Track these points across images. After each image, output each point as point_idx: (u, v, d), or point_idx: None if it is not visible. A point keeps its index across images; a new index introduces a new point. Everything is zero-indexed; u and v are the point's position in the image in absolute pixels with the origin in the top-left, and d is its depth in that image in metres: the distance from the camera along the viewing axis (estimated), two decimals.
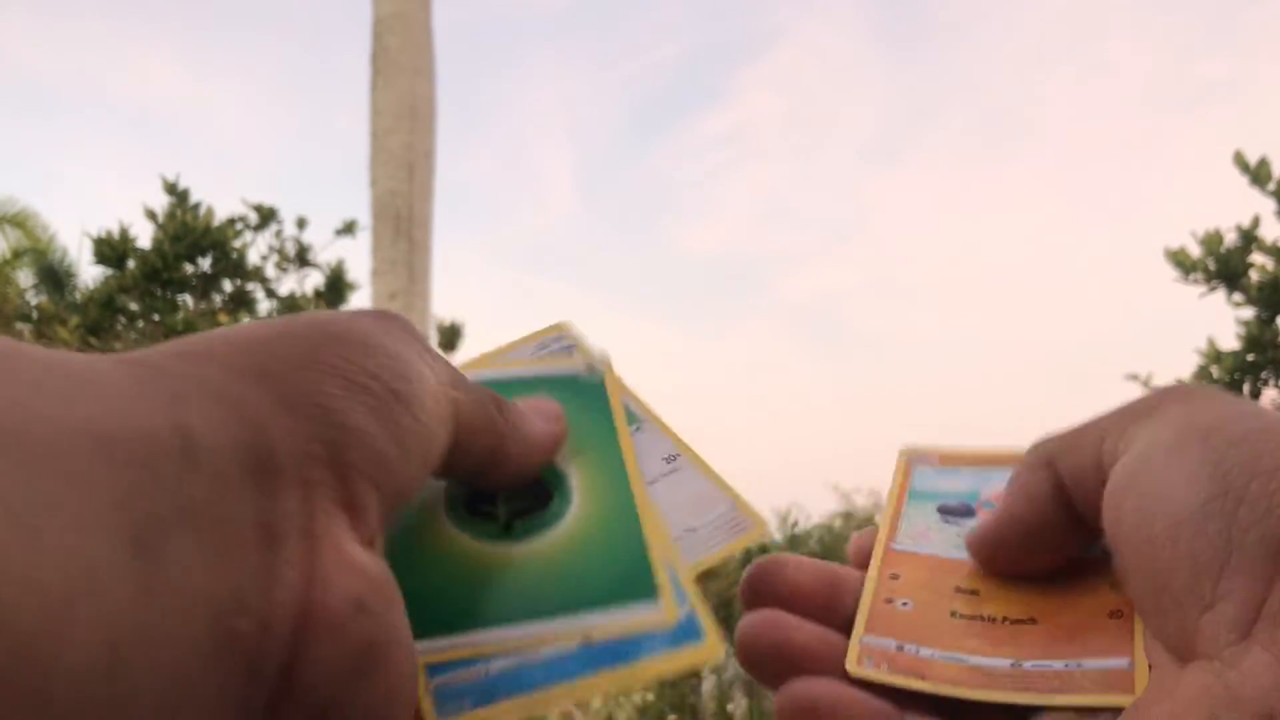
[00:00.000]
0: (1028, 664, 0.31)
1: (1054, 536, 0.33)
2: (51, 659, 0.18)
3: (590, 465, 0.35)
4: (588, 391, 0.37)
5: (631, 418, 0.36)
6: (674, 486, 0.34)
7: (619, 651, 0.29)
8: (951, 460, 0.40)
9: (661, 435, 0.36)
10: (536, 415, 0.34)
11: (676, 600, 0.31)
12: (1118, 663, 0.30)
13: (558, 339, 0.39)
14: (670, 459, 0.35)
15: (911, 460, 0.40)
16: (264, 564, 0.23)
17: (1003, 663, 0.32)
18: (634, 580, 0.31)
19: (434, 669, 0.29)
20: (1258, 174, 4.29)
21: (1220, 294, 4.44)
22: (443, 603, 0.31)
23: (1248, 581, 0.25)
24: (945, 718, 0.31)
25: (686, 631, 0.30)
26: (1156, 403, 0.31)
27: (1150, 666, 0.29)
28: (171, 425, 0.22)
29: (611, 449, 0.35)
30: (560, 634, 0.30)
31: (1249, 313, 4.41)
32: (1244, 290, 4.37)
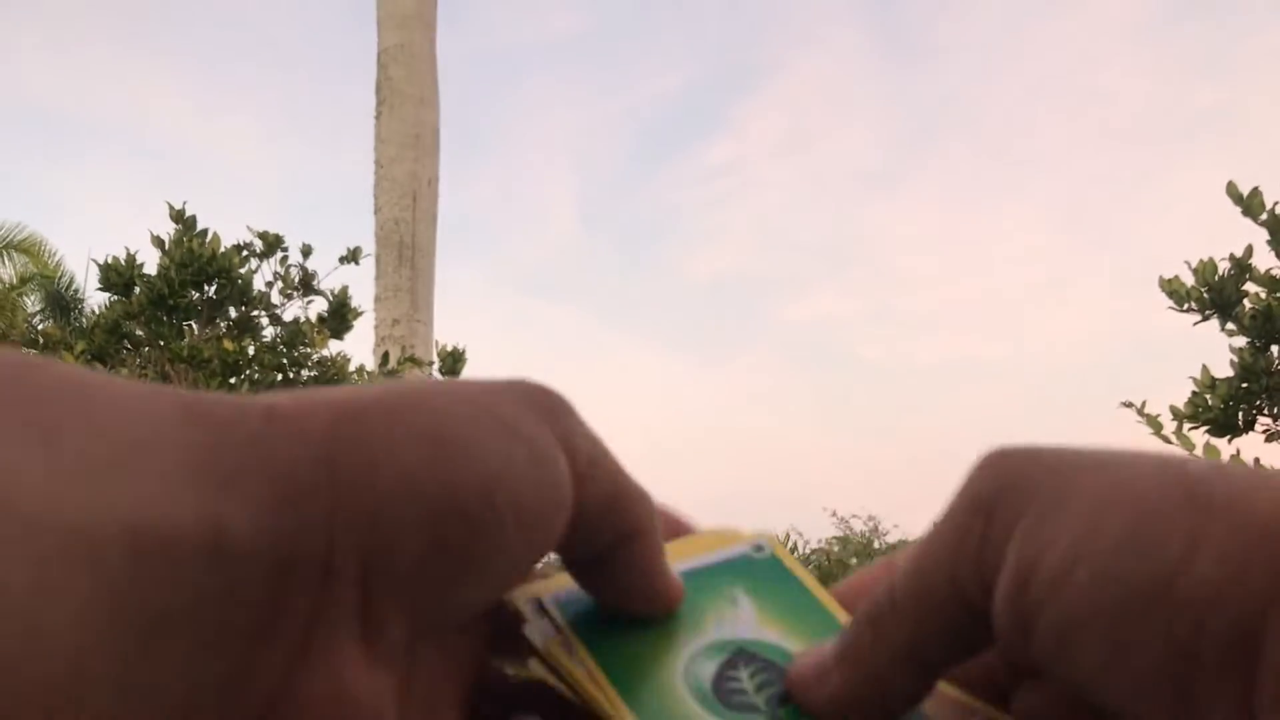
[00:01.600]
0: None
1: (932, 658, 0.29)
2: None
3: (806, 632, 0.34)
4: (766, 568, 0.37)
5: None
6: None
7: None
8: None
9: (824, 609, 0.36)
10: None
11: None
12: None
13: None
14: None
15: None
16: (244, 665, 0.22)
17: None
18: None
19: None
20: (1250, 204, 4.33)
21: (1214, 323, 4.48)
22: None
23: (1226, 684, 0.22)
24: None
25: None
26: (997, 505, 0.27)
27: None
28: (207, 518, 0.21)
29: (818, 611, 0.35)
30: None
31: (1242, 341, 4.44)
32: (1237, 319, 4.40)
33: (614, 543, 0.29)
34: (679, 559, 0.35)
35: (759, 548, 0.38)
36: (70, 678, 0.18)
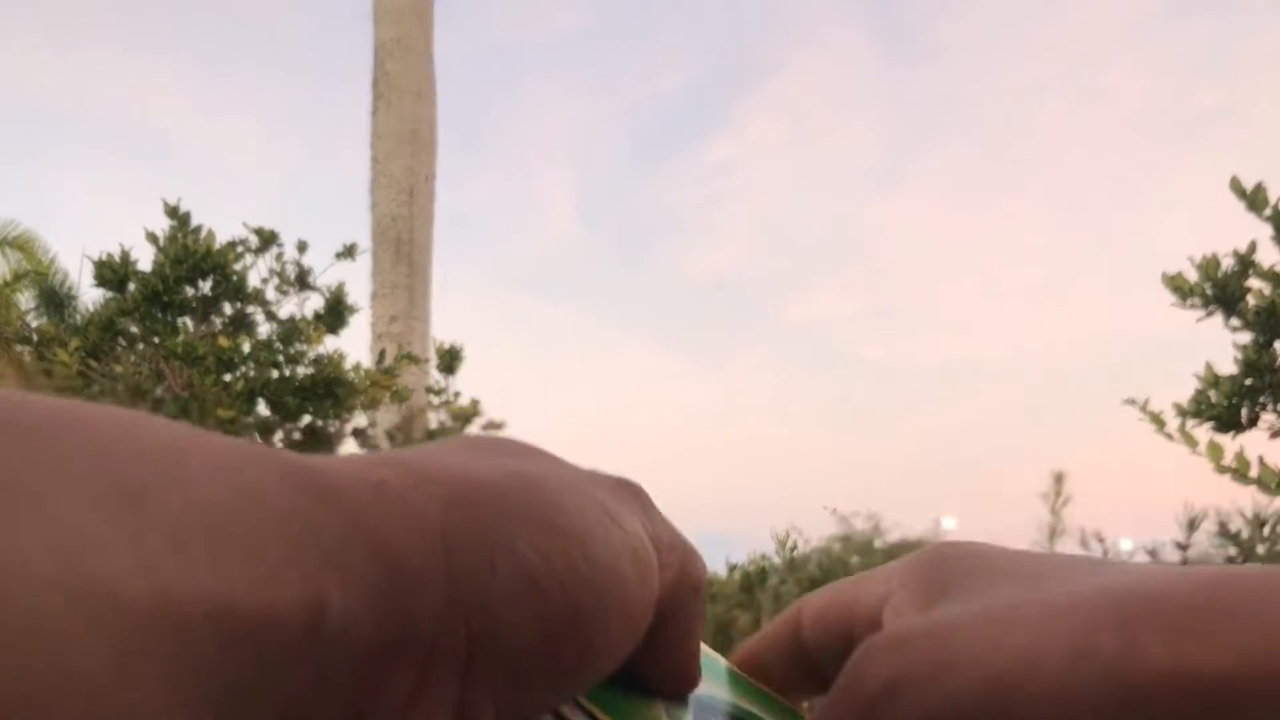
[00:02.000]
0: None
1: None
2: None
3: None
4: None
5: None
6: None
7: None
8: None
9: None
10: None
11: None
12: None
13: None
14: None
15: None
16: None
17: None
18: None
19: None
20: (1254, 199, 4.31)
21: (1218, 319, 4.46)
22: None
23: None
24: None
25: None
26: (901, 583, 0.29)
27: None
28: (307, 598, 0.20)
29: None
30: None
31: (1246, 337, 4.41)
32: (1241, 315, 4.38)
33: (662, 623, 0.28)
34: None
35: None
36: None
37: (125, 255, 5.17)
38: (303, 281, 5.52)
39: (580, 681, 0.25)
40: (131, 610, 0.17)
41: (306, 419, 5.38)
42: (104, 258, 5.15)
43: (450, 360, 6.17)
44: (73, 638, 0.16)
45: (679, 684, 0.30)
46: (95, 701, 0.16)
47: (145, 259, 5.23)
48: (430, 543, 0.22)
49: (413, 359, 6.14)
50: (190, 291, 5.20)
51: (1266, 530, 5.11)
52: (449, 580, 0.22)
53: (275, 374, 5.28)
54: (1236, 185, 4.34)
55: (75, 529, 0.17)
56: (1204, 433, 4.35)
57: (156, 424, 0.20)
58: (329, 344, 5.50)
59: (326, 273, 5.58)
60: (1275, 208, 4.30)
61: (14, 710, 0.15)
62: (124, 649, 0.17)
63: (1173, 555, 5.52)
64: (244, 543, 0.19)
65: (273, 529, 0.20)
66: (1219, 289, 4.41)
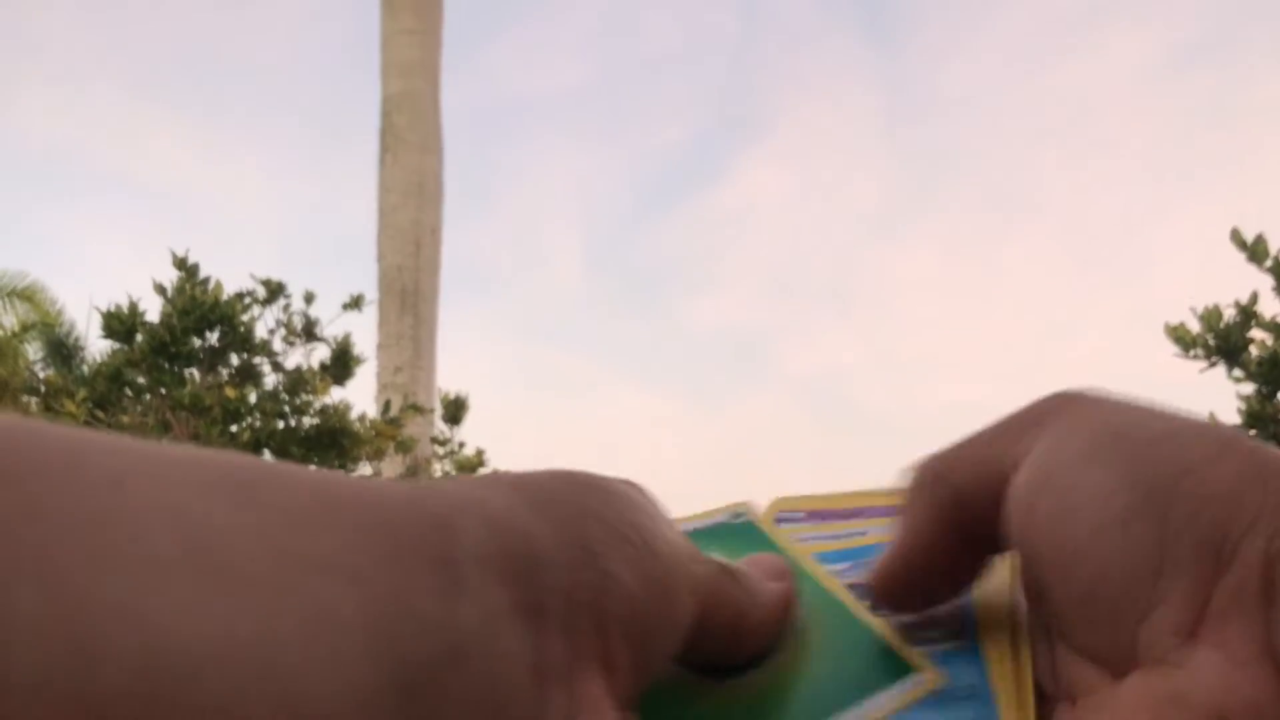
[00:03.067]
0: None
1: (955, 563, 0.31)
2: None
3: None
4: (741, 533, 0.37)
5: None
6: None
7: None
8: (822, 508, 0.38)
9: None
10: (764, 573, 0.31)
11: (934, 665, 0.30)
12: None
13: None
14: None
15: (777, 517, 0.38)
16: (533, 711, 0.21)
17: None
18: (885, 666, 0.30)
19: None
20: (1255, 251, 4.33)
21: (1220, 370, 4.46)
22: None
23: (1187, 582, 0.24)
24: None
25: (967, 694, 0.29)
26: (1050, 408, 0.29)
27: (1073, 687, 0.27)
28: (435, 557, 0.20)
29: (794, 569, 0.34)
30: None
31: (1249, 388, 4.42)
32: (1244, 366, 4.39)
33: (730, 625, 0.30)
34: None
35: (737, 515, 0.38)
36: None
37: (133, 306, 5.20)
38: (309, 332, 5.55)
39: (677, 628, 0.26)
40: (285, 578, 0.18)
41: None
42: (112, 309, 5.19)
43: (455, 410, 6.18)
44: (223, 613, 0.17)
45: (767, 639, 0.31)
46: (272, 675, 0.17)
47: (153, 309, 5.27)
48: (524, 509, 0.23)
49: (417, 409, 6.15)
50: (197, 342, 5.22)
51: None
52: (555, 535, 0.23)
53: (281, 425, 5.29)
54: (1237, 237, 4.37)
55: (197, 521, 0.18)
56: None
57: (292, 473, 0.21)
58: (335, 394, 5.53)
59: (334, 323, 5.63)
60: (1276, 259, 4.32)
61: None
62: (288, 618, 0.17)
63: None
64: (371, 518, 0.20)
65: (394, 506, 0.21)
66: (1221, 340, 4.42)
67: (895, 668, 0.30)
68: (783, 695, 0.30)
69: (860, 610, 0.32)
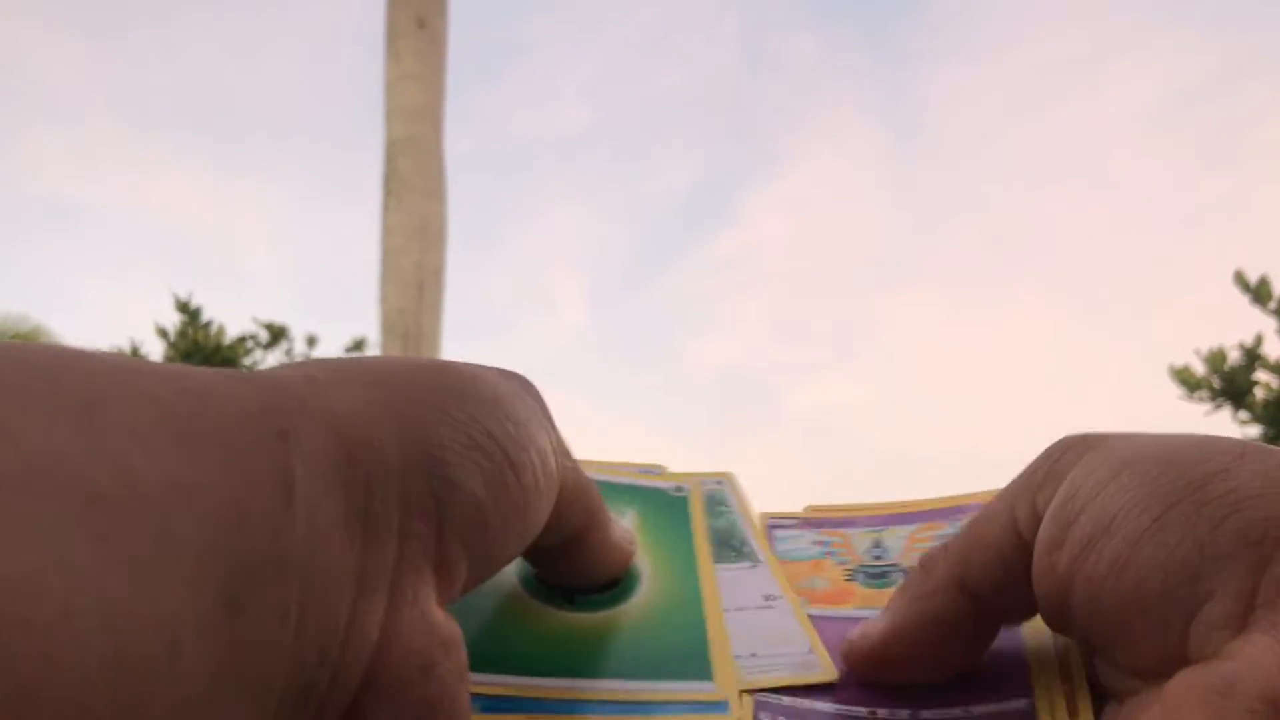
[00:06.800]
0: (925, 714, 0.30)
1: (958, 637, 0.30)
2: None
3: (663, 562, 0.36)
4: (673, 505, 0.39)
5: (748, 555, 0.38)
6: (761, 620, 0.35)
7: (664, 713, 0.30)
8: (816, 518, 0.40)
9: (771, 577, 0.37)
10: (618, 526, 0.34)
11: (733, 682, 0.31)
12: (1015, 704, 0.30)
13: (653, 469, 0.41)
14: (770, 599, 0.36)
15: (770, 524, 0.40)
16: (349, 616, 0.22)
17: (902, 713, 0.31)
18: (690, 659, 0.32)
19: (483, 703, 0.29)
20: (1259, 293, 4.34)
21: (1226, 412, 4.44)
22: (497, 644, 0.31)
23: (1232, 577, 0.24)
24: None
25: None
26: (1063, 453, 0.29)
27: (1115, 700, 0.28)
28: (273, 469, 0.21)
29: (686, 551, 0.37)
30: (609, 692, 0.30)
31: (1256, 430, 4.39)
32: (1249, 408, 4.37)
33: (576, 532, 0.32)
34: (597, 470, 0.38)
35: (679, 489, 0.39)
36: (166, 644, 0.17)
37: (135, 350, 5.21)
38: None
39: (527, 533, 0.27)
40: (122, 501, 0.17)
41: None
42: (115, 352, 5.20)
43: None
44: (60, 536, 0.16)
45: (603, 581, 0.33)
46: (100, 597, 0.16)
47: (155, 352, 5.27)
48: (374, 414, 0.24)
49: None
50: None
51: None
52: (400, 443, 0.24)
53: None
54: (1241, 279, 4.37)
55: (36, 444, 0.17)
56: None
57: (98, 354, 0.21)
58: None
59: None
60: None
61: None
62: (121, 538, 0.17)
63: None
64: (210, 432, 0.20)
65: (236, 417, 0.21)
66: (1226, 382, 4.40)
67: (696, 667, 0.32)
68: (592, 637, 0.32)
69: (713, 611, 0.34)
